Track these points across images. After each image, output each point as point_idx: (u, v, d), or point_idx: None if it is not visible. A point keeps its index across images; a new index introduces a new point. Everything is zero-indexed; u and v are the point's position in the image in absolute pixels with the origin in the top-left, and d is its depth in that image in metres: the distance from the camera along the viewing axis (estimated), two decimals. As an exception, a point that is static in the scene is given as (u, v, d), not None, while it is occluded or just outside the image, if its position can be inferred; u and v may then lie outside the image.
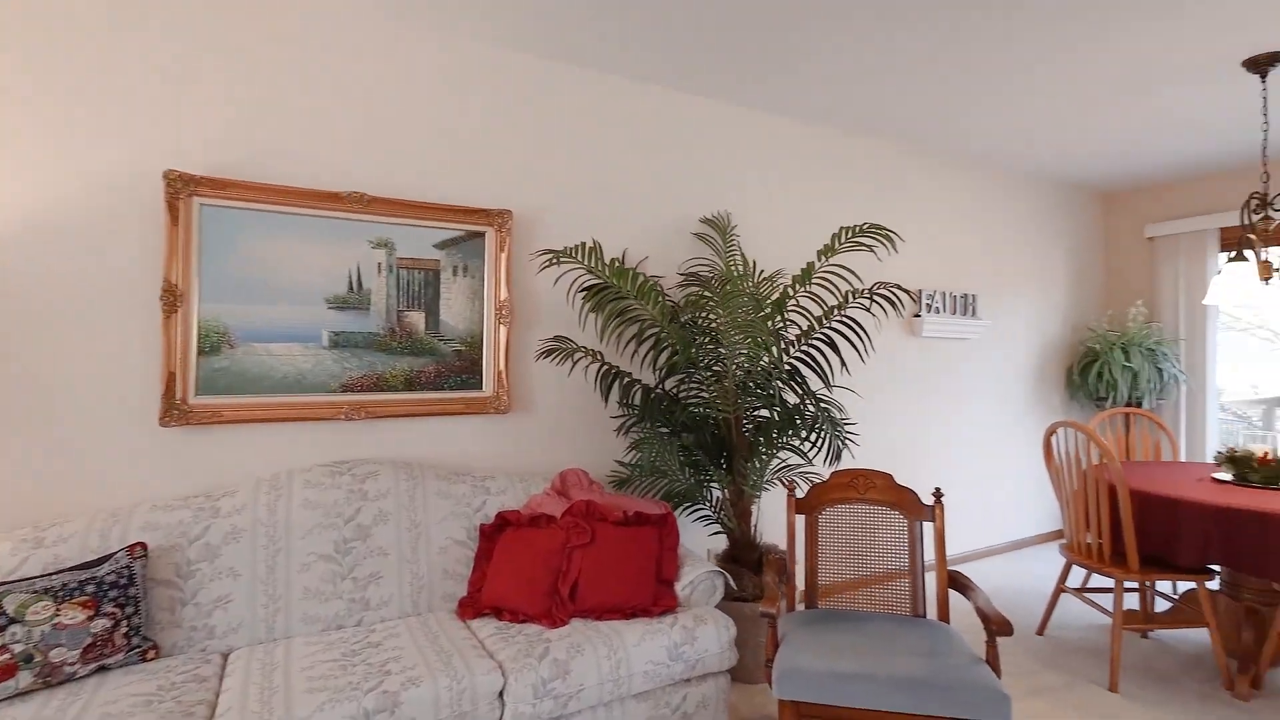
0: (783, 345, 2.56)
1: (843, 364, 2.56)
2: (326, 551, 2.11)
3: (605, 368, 2.67)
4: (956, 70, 2.92)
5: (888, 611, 2.26)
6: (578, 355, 2.68)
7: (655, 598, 2.13)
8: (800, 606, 2.36)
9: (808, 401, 2.53)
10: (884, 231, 2.31)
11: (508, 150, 2.75)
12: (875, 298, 2.54)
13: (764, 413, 2.97)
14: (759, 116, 3.40)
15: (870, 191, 3.79)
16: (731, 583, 2.33)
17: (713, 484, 2.77)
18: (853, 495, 2.36)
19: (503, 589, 2.15)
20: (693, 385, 2.75)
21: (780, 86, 3.11)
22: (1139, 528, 2.67)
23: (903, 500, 2.32)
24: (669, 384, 2.86)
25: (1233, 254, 2.78)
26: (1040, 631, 3.09)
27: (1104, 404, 4.48)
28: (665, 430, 2.68)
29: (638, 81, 3.06)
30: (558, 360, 2.76)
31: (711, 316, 2.59)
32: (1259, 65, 2.74)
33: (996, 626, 1.85)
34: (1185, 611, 2.94)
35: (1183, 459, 4.39)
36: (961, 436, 4.20)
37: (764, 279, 2.52)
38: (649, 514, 2.33)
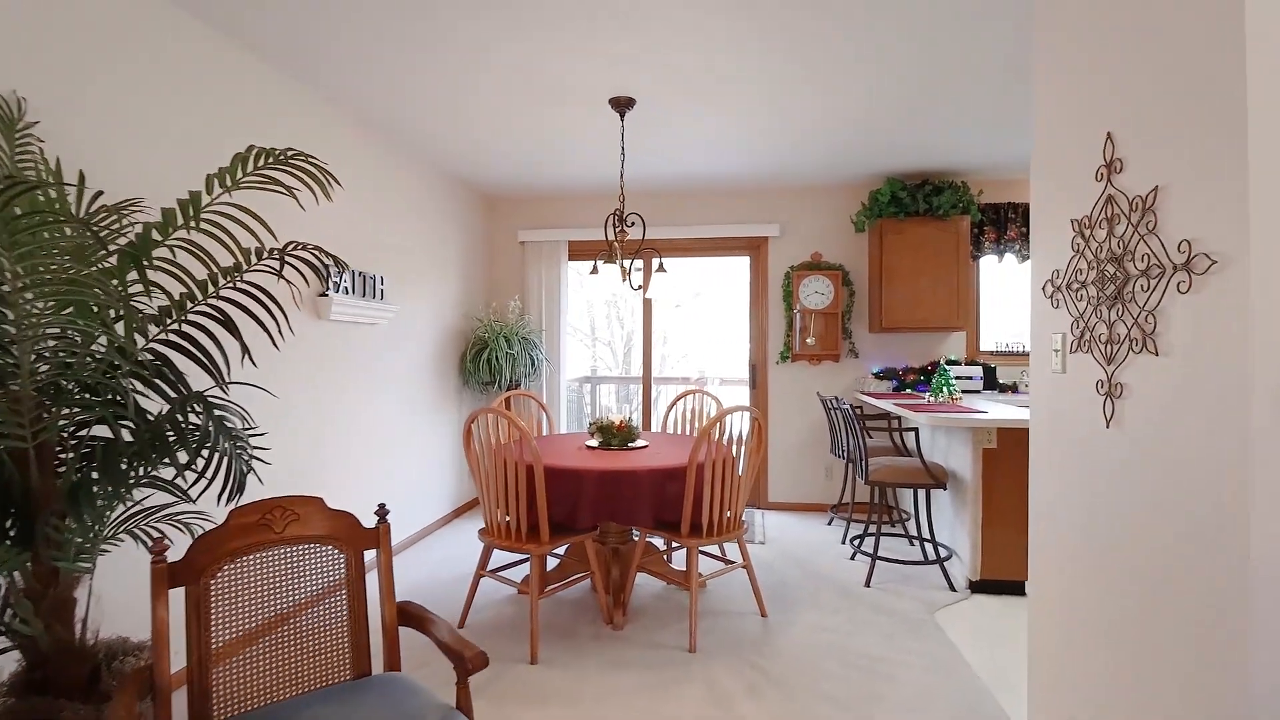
0: (141, 319, 1.59)
1: (245, 353, 1.80)
2: None
3: None
4: (379, 37, 2.50)
5: (326, 686, 1.67)
6: None
7: None
8: (183, 729, 1.51)
9: (190, 408, 1.66)
10: (315, 164, 1.68)
11: None
12: (289, 261, 1.88)
13: (103, 431, 1.86)
14: (78, -40, 2.15)
15: (272, 130, 2.96)
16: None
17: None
18: (268, 538, 1.65)
19: None
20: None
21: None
22: (548, 501, 2.87)
23: (340, 529, 1.76)
24: None
25: (603, 258, 3.31)
26: (462, 624, 3.03)
27: (490, 387, 4.90)
28: None
29: None
30: None
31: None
32: (620, 105, 3.34)
33: (471, 664, 1.54)
34: (571, 566, 3.38)
35: (554, 431, 5.23)
36: (376, 430, 3.83)
37: (102, 209, 1.50)
38: None
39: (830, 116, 3.64)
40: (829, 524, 4.80)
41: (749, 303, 5.39)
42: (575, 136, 3.93)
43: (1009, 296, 5.14)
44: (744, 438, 3.06)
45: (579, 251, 5.41)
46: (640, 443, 3.44)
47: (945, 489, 3.53)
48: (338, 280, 3.40)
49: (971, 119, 3.71)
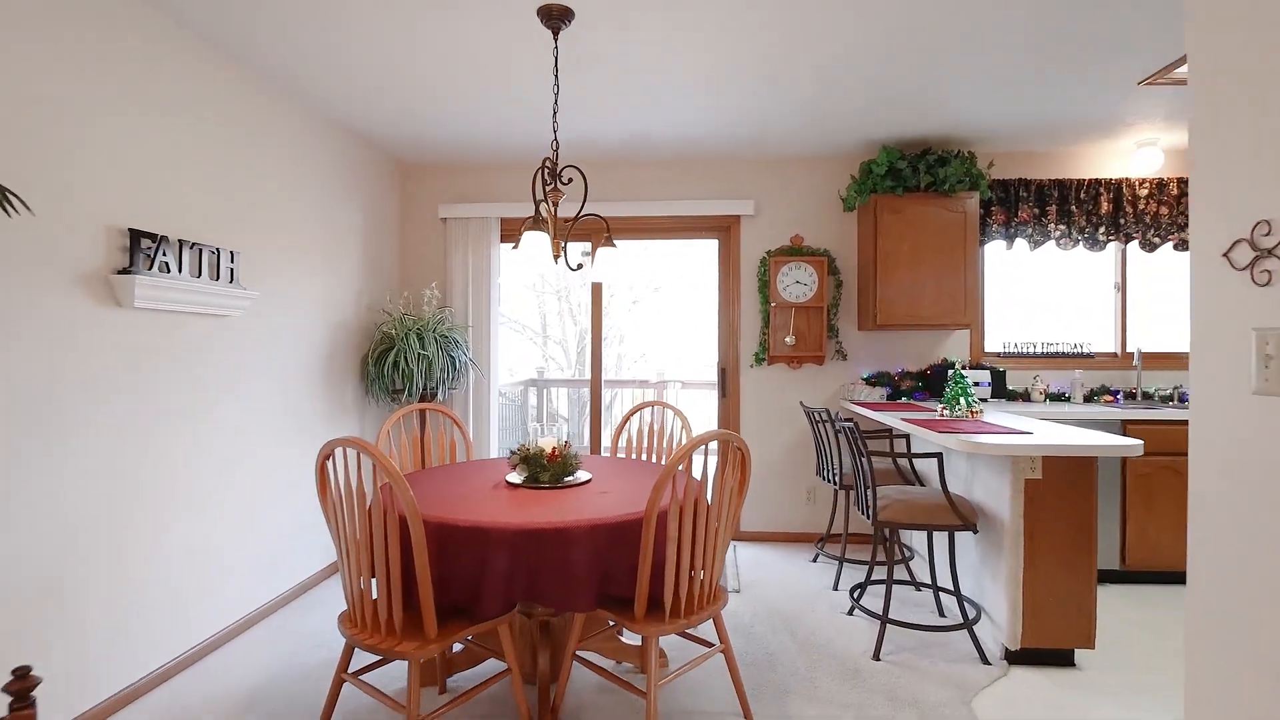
0: None
1: None
2: None
3: None
4: None
5: None
6: None
7: None
8: None
9: None
10: None
11: None
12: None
13: None
14: None
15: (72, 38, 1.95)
16: None
17: None
18: None
19: None
20: None
21: None
22: (439, 574, 1.96)
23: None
24: None
25: (529, 225, 2.39)
26: (318, 749, 2.08)
27: (400, 396, 3.92)
28: None
29: None
30: None
31: None
32: (552, 18, 2.43)
33: None
34: (482, 652, 2.46)
35: (475, 455, 4.28)
36: (230, 459, 2.82)
37: None
38: None
39: (811, 58, 2.82)
40: (814, 560, 3.99)
41: (717, 295, 4.56)
42: (499, 69, 3.01)
43: (1018, 288, 4.43)
44: (720, 473, 2.21)
45: (514, 231, 4.48)
46: (581, 476, 2.55)
47: (975, 531, 2.74)
48: (151, 253, 2.40)
49: (979, 71, 2.94)
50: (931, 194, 3.94)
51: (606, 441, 4.86)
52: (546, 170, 2.44)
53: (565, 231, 2.63)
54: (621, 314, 11.16)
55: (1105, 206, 4.13)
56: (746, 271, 4.40)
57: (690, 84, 3.17)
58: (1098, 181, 4.14)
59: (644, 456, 4.00)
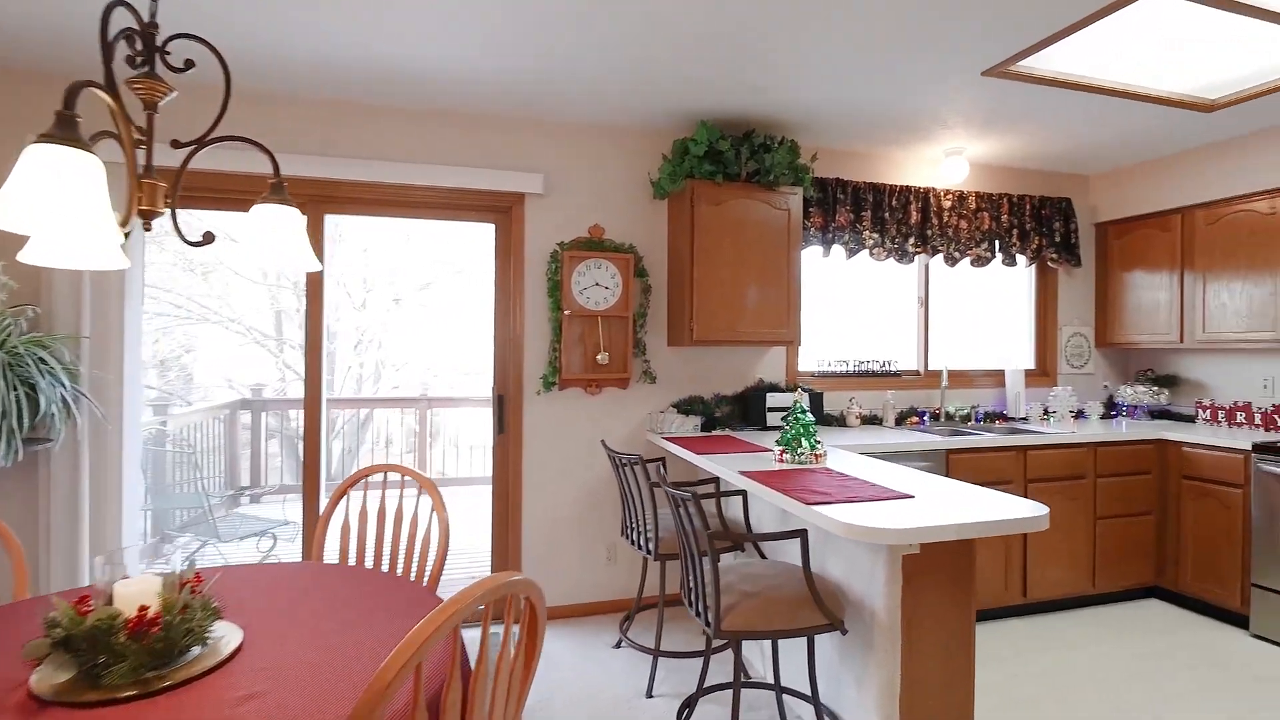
0: None
1: None
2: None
3: None
4: None
5: None
6: None
7: None
8: None
9: None
10: None
11: None
12: None
13: None
14: None
15: None
16: None
17: None
18: None
19: None
20: None
21: None
22: None
23: None
24: None
25: (71, 140, 1.08)
26: None
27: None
28: None
29: None
30: None
31: None
32: None
33: None
34: None
35: (58, 575, 2.58)
36: None
37: None
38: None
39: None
40: (618, 646, 3.09)
41: (494, 300, 3.45)
42: None
43: (831, 300, 4.02)
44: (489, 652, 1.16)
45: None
46: (222, 642, 1.31)
47: (844, 632, 2.03)
48: None
49: (827, 34, 2.30)
50: (755, 185, 3.29)
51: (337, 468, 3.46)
52: (133, 29, 1.16)
53: (177, 176, 1.35)
54: (380, 312, 9.42)
55: (914, 215, 3.87)
56: (533, 268, 3.37)
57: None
58: (908, 189, 3.86)
59: (371, 559, 2.76)
